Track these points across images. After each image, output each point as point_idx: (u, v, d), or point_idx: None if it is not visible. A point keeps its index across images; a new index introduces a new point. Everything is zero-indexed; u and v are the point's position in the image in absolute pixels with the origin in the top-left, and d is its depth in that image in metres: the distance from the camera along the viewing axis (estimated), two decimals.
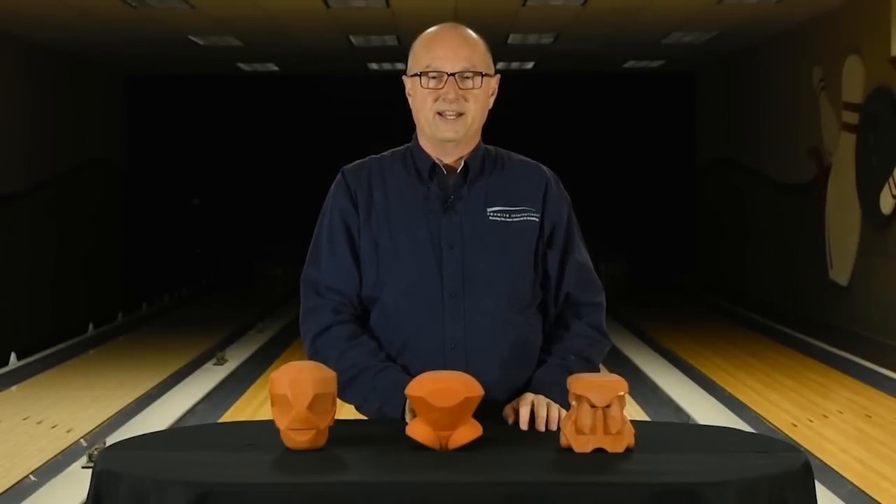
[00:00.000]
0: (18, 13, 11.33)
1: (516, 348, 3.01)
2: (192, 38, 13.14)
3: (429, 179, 3.04)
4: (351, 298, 3.04)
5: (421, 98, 3.01)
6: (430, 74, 2.99)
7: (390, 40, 13.42)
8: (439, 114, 2.99)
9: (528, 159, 3.16)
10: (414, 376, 2.79)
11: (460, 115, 2.99)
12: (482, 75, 3.00)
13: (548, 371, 3.01)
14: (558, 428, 2.72)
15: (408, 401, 2.84)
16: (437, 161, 3.05)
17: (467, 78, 2.99)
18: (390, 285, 3.00)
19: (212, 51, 14.17)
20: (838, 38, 11.48)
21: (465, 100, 2.99)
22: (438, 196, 3.03)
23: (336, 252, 3.05)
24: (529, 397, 2.89)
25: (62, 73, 14.24)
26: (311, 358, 3.03)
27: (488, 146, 3.11)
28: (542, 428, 2.82)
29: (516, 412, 2.87)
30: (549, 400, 2.88)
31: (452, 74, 2.97)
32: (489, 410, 2.77)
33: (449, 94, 2.97)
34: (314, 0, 10.90)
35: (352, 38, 13.41)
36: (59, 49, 13.81)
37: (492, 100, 3.08)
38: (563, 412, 2.83)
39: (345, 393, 2.95)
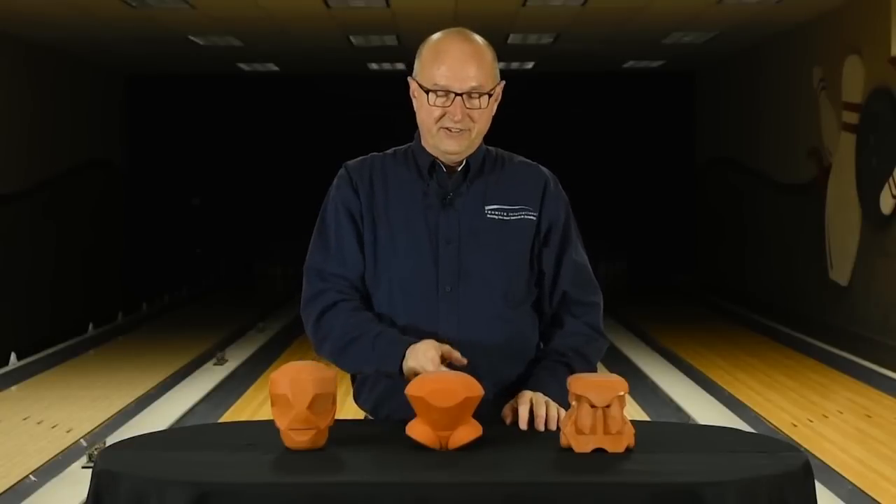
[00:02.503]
0: (18, 13, 11.33)
1: (510, 344, 3.02)
2: (192, 38, 13.14)
3: (429, 177, 3.07)
4: (356, 283, 3.07)
5: (427, 111, 3.02)
6: (438, 93, 2.99)
7: (390, 40, 13.42)
8: (444, 128, 3.01)
9: (528, 161, 3.18)
10: (413, 341, 2.84)
11: (465, 130, 3.01)
12: (489, 95, 3.02)
13: (546, 368, 3.02)
14: (558, 428, 2.71)
15: (405, 359, 2.88)
16: (437, 159, 3.07)
17: (474, 98, 3.00)
18: (386, 280, 3.03)
19: (212, 51, 14.17)
20: (838, 38, 11.48)
21: (471, 119, 3.00)
22: (437, 193, 3.05)
23: (342, 239, 3.07)
24: (528, 395, 2.90)
25: (62, 73, 14.23)
26: (312, 333, 3.07)
27: (490, 147, 3.13)
28: (541, 427, 2.82)
29: (515, 411, 2.88)
30: (547, 399, 2.89)
31: (460, 94, 2.98)
32: (480, 405, 2.77)
33: (456, 114, 2.99)
34: (314, 0, 10.90)
35: (352, 38, 13.41)
36: (59, 49, 13.81)
37: (495, 105, 3.09)
38: (563, 411, 2.83)
39: (345, 355, 2.99)
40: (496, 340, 3.00)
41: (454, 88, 2.98)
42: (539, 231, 3.08)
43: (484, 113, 3.02)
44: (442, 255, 3.01)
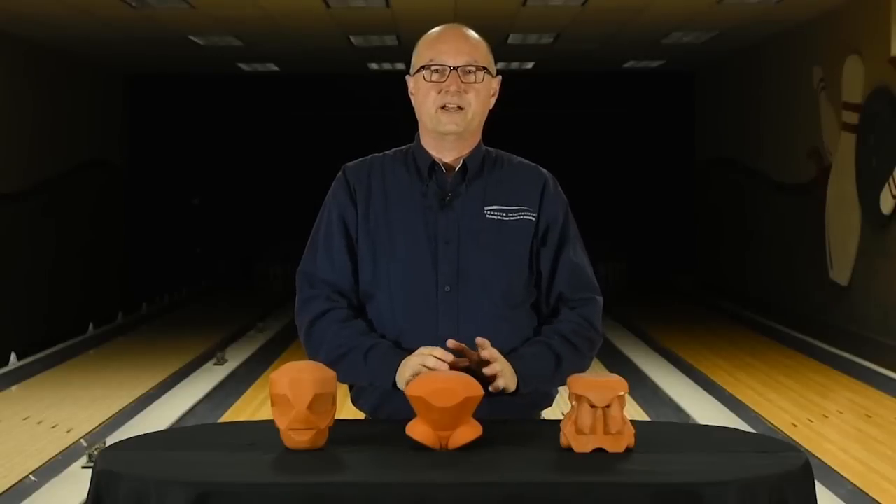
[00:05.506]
0: (18, 13, 11.33)
1: (509, 345, 3.02)
2: (192, 38, 13.14)
3: (428, 177, 3.08)
4: (345, 291, 3.08)
5: (424, 92, 3.05)
6: (433, 68, 3.03)
7: (390, 40, 13.42)
8: (441, 107, 3.02)
9: (528, 161, 3.19)
10: (406, 351, 2.85)
11: (461, 108, 3.02)
12: (485, 70, 3.04)
13: (529, 347, 3.03)
14: (558, 428, 2.71)
15: (399, 371, 2.90)
16: (437, 160, 3.08)
17: (469, 72, 3.03)
18: (385, 280, 3.04)
19: (212, 51, 14.17)
20: (838, 38, 11.48)
21: (467, 93, 3.03)
22: (437, 193, 3.07)
23: (332, 247, 3.09)
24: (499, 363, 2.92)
25: (62, 73, 14.23)
26: (305, 343, 3.09)
27: (489, 148, 3.15)
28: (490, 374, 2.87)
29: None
30: (505, 364, 2.92)
31: (455, 68, 3.02)
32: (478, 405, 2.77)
33: (451, 86, 3.01)
34: (314, 0, 10.90)
35: (352, 38, 13.41)
36: (59, 49, 13.81)
37: (492, 100, 3.12)
38: (509, 378, 2.90)
39: (338, 370, 2.96)
40: (496, 341, 2.99)
41: (449, 62, 3.02)
42: (538, 232, 3.09)
43: (480, 92, 3.04)
44: (441, 256, 3.02)
